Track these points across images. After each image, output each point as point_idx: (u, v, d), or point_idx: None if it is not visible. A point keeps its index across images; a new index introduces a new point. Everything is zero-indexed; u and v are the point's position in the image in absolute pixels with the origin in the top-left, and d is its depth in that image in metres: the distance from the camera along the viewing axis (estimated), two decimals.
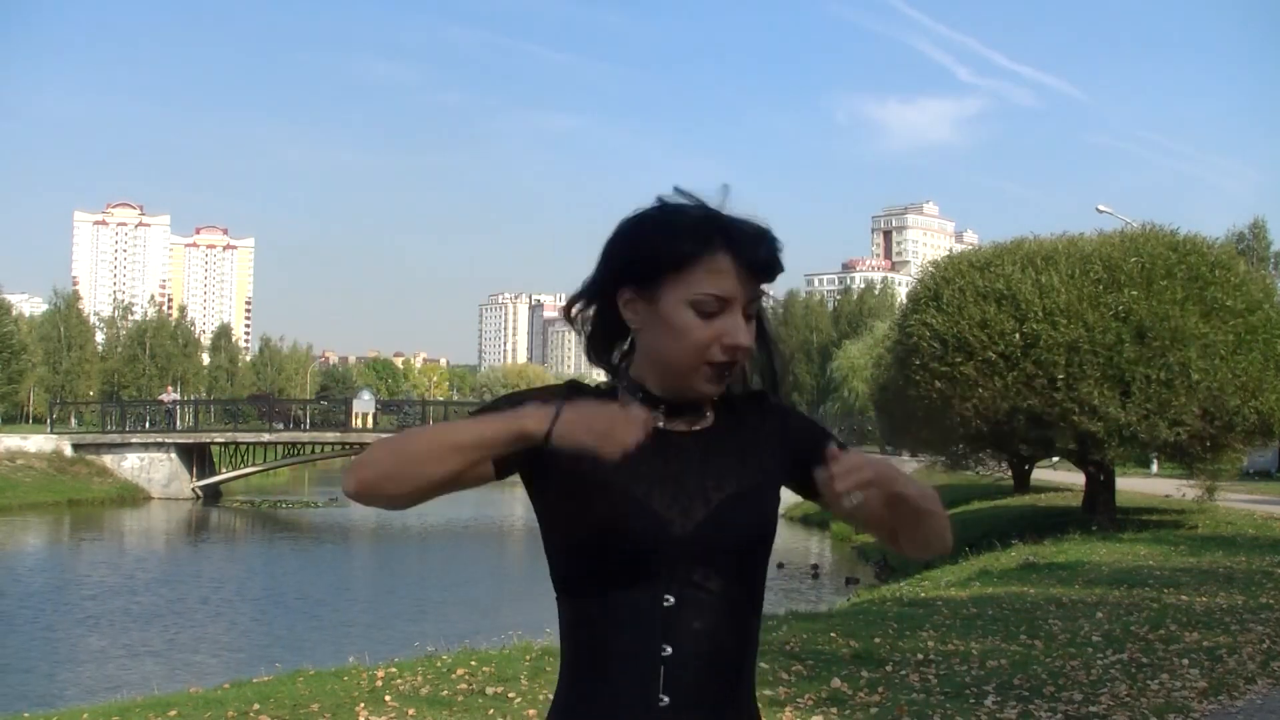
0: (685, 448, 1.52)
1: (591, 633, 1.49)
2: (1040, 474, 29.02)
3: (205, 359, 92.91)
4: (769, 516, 1.54)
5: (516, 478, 1.58)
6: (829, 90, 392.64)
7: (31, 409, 70.42)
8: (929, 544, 1.56)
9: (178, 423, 41.57)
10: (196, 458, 40.34)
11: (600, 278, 1.55)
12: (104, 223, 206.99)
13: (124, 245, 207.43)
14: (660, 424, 1.51)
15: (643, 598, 1.46)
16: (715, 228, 1.49)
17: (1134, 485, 24.80)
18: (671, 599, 1.45)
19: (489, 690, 6.49)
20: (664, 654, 1.45)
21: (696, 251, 1.47)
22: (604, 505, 1.46)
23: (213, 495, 40.04)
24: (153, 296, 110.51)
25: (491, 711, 5.98)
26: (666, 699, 1.44)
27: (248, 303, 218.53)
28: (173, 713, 6.41)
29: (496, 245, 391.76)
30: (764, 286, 1.54)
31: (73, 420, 51.02)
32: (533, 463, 1.49)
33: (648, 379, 1.54)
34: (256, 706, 6.30)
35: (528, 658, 7.63)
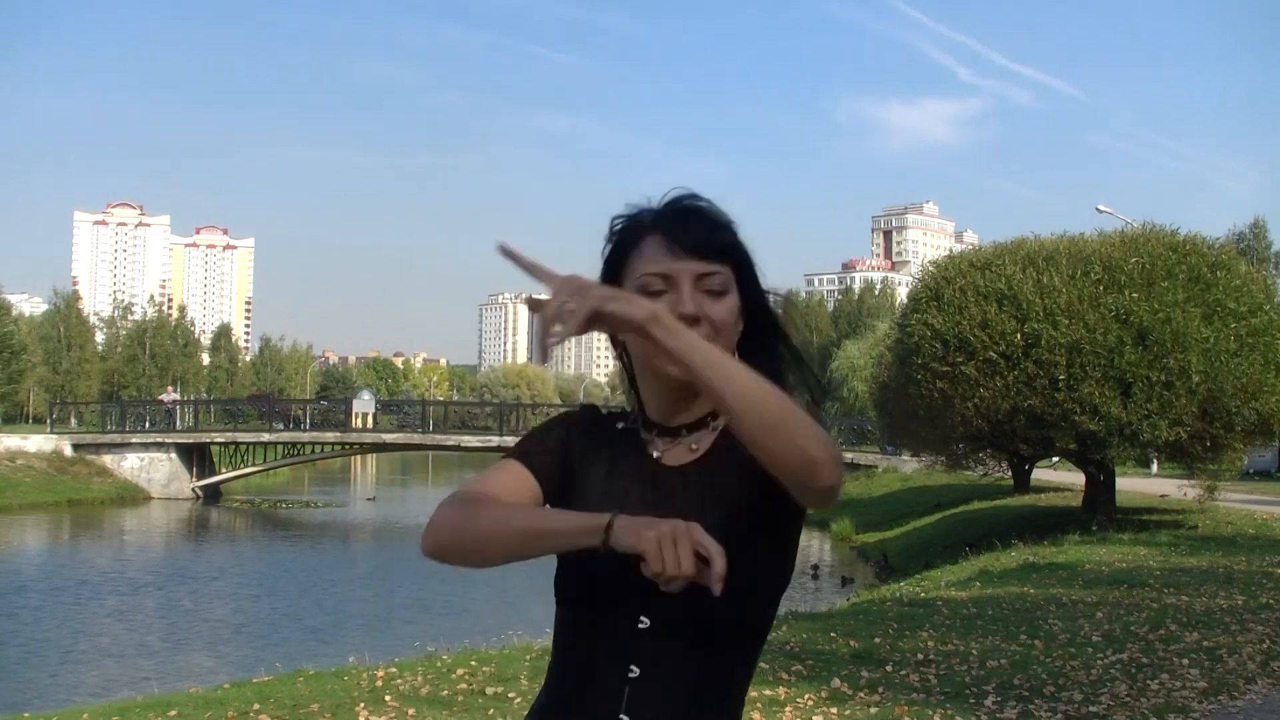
0: (672, 481, 1.53)
1: (569, 643, 1.53)
2: (1040, 474, 29.02)
3: (205, 359, 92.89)
4: (745, 550, 1.45)
5: None
6: (829, 90, 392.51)
7: (31, 409, 70.36)
8: (768, 448, 1.33)
9: (178, 423, 41.60)
10: (196, 458, 40.35)
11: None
12: (104, 223, 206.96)
13: (124, 245, 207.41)
14: (656, 455, 1.55)
15: (620, 618, 1.47)
16: (645, 215, 1.54)
17: (1134, 485, 24.80)
18: (647, 621, 1.46)
19: (489, 690, 6.49)
20: (630, 675, 1.46)
21: (632, 240, 1.52)
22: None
23: (213, 495, 40.06)
24: (153, 296, 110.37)
25: (491, 711, 5.98)
26: (626, 718, 1.45)
27: (248, 303, 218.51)
28: (173, 713, 6.41)
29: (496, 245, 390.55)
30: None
31: (73, 420, 50.98)
32: (562, 483, 1.57)
33: (646, 395, 1.57)
34: (256, 706, 6.30)
35: (528, 658, 7.63)
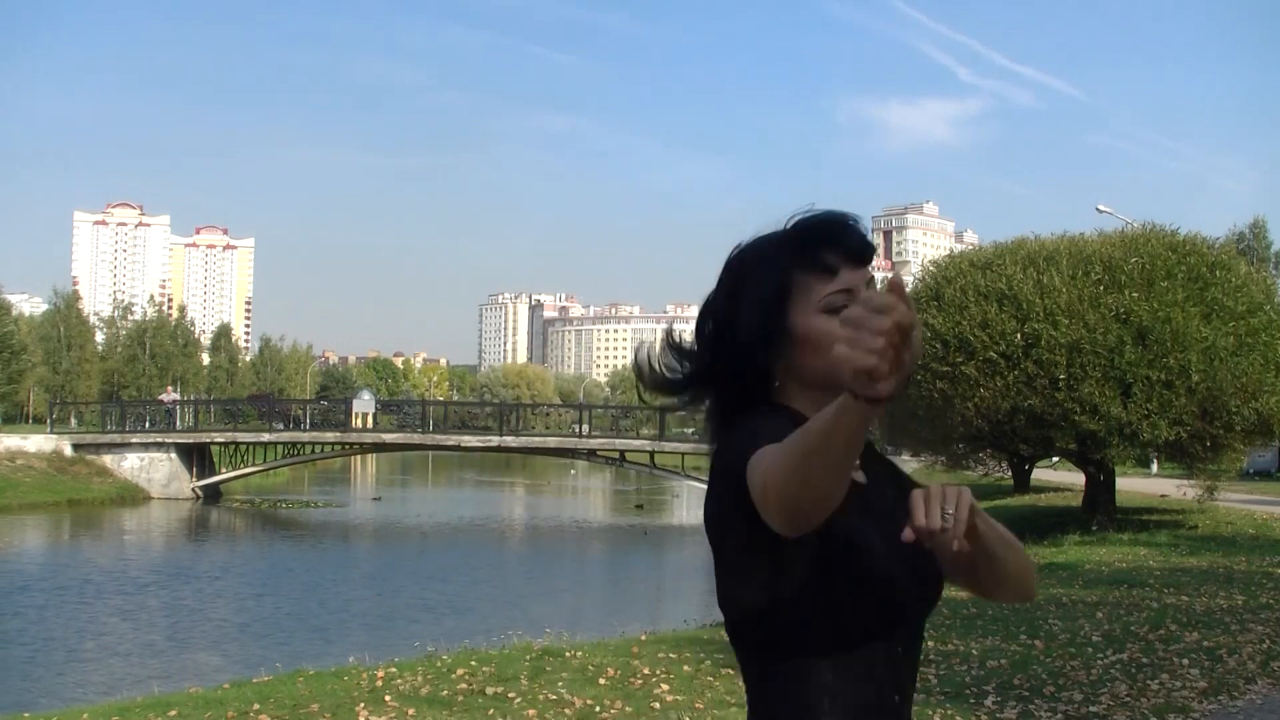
0: (877, 499, 1.51)
1: (819, 691, 1.44)
2: (1040, 474, 29.03)
3: (205, 359, 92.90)
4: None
5: None
6: (829, 90, 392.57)
7: (31, 409, 70.36)
8: (1009, 583, 1.56)
9: (178, 423, 41.57)
10: (196, 458, 40.34)
11: (723, 359, 1.53)
12: (104, 223, 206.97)
13: (124, 245, 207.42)
14: (862, 479, 1.52)
15: (881, 650, 1.47)
16: (806, 232, 1.52)
17: (1134, 485, 24.81)
18: (900, 649, 1.50)
19: (489, 690, 6.49)
20: (894, 701, 1.49)
21: (804, 262, 1.50)
22: (868, 565, 1.43)
23: (213, 495, 40.05)
24: (152, 296, 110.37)
25: (491, 711, 5.98)
26: (898, 698, 1.49)
27: (248, 303, 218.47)
28: (173, 713, 6.42)
29: (496, 245, 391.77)
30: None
31: (73, 420, 50.97)
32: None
33: (803, 407, 1.51)
34: (256, 706, 6.30)
35: (528, 658, 7.63)
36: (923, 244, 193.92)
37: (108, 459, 38.64)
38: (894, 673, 1.48)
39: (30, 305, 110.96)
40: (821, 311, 1.47)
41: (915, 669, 1.55)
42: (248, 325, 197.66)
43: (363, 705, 6.18)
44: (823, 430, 1.21)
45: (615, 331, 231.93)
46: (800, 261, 1.50)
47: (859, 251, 1.51)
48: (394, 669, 7.38)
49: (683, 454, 37.28)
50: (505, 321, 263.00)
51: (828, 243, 1.50)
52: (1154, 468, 30.91)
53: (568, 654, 7.76)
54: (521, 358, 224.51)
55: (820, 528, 1.32)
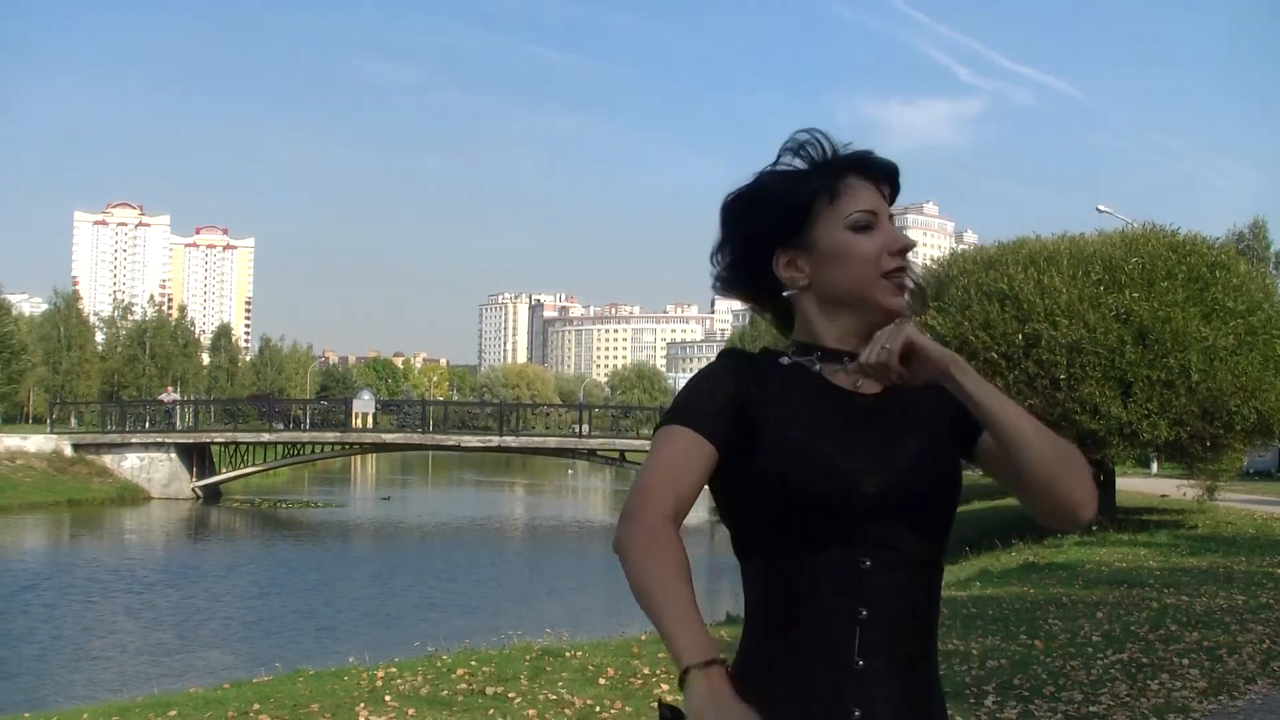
0: (868, 410, 1.54)
1: (788, 592, 1.48)
2: None
3: (205, 359, 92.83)
4: (953, 474, 1.55)
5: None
6: (829, 91, 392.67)
7: (31, 409, 70.32)
8: (1036, 468, 1.43)
9: (178, 423, 41.57)
10: (196, 458, 40.34)
11: (743, 246, 1.60)
12: (104, 223, 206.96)
13: (124, 245, 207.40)
14: (845, 385, 1.55)
15: (841, 560, 1.46)
16: (835, 157, 1.58)
17: (1134, 485, 24.82)
18: (869, 562, 1.46)
19: (489, 690, 6.49)
20: (860, 616, 1.45)
21: (833, 180, 1.56)
22: (803, 470, 1.46)
23: (213, 495, 40.05)
24: (152, 296, 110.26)
25: (491, 711, 5.98)
26: (862, 662, 1.45)
27: (248, 303, 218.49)
28: (173, 713, 6.42)
29: (496, 245, 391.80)
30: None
31: (73, 420, 50.94)
32: (741, 434, 1.49)
33: (824, 336, 1.57)
34: (256, 706, 6.30)
35: (528, 658, 7.62)
36: (923, 244, 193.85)
37: (108, 459, 38.64)
38: (860, 586, 1.45)
39: (30, 305, 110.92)
40: (847, 229, 1.54)
41: (904, 590, 1.47)
42: (248, 325, 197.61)
43: (363, 705, 6.18)
44: (653, 618, 1.35)
45: (615, 331, 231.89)
46: (825, 183, 1.56)
47: (883, 172, 1.59)
48: (394, 669, 7.38)
49: None
50: (505, 321, 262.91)
51: (852, 165, 1.57)
52: (1154, 468, 30.91)
53: (568, 654, 7.76)
54: (521, 358, 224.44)
55: (756, 433, 1.47)
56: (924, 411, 1.55)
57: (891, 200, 1.59)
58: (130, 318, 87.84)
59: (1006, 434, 1.43)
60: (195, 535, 31.29)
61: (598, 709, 5.97)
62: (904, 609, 1.47)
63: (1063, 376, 16.42)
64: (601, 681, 6.68)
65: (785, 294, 1.59)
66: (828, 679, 1.44)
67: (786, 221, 1.56)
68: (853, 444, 1.49)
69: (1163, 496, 22.96)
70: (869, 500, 1.46)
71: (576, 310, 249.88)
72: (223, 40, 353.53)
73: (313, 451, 42.72)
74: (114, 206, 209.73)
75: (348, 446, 42.70)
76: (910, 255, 1.56)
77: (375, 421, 44.35)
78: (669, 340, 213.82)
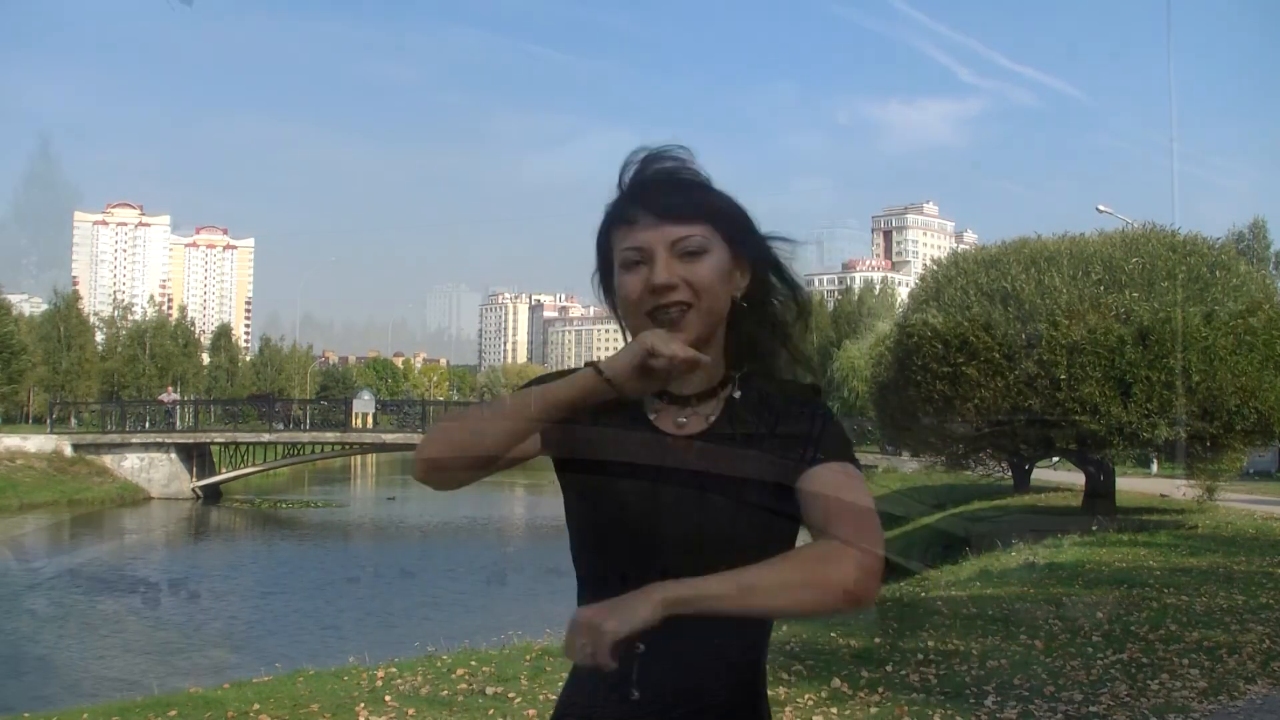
0: (680, 448, 1.52)
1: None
2: (1040, 474, 29.00)
3: (205, 359, 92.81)
4: (760, 520, 1.48)
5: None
6: (830, 91, 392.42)
7: (31, 409, 70.28)
8: (816, 614, 1.47)
9: (178, 423, 41.56)
10: (196, 458, 40.32)
11: (603, 279, 1.62)
12: (104, 223, 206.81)
13: (124, 245, 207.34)
14: (658, 421, 1.55)
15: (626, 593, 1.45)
16: (626, 189, 1.56)
17: (1134, 485, 24.78)
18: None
19: (489, 690, 6.49)
20: (637, 649, 1.42)
21: (621, 214, 1.54)
22: (603, 503, 1.50)
23: (213, 495, 40.03)
24: (153, 296, 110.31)
25: (491, 711, 5.98)
26: (637, 694, 1.45)
27: (248, 303, 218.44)
28: (173, 713, 6.41)
29: (496, 245, 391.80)
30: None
31: (73, 420, 50.90)
32: (563, 449, 1.54)
33: None
34: (256, 706, 6.30)
35: (528, 658, 7.62)
36: (923, 244, 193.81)
37: (108, 459, 38.62)
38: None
39: (30, 305, 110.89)
40: (620, 268, 1.53)
41: (696, 627, 1.36)
42: (248, 325, 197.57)
43: (363, 705, 6.18)
44: (511, 418, 1.43)
45: (615, 332, 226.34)
46: (613, 210, 1.56)
47: (663, 209, 1.50)
48: (394, 669, 7.38)
49: None
50: (505, 321, 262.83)
51: (629, 198, 1.54)
52: (1154, 468, 30.89)
53: None
54: (521, 358, 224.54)
55: (581, 475, 1.52)
56: (739, 455, 1.50)
57: (680, 219, 1.50)
58: (130, 318, 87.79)
59: (758, 615, 1.46)
60: (198, 535, 31.31)
61: None
62: (689, 650, 1.44)
63: (1063, 376, 16.42)
64: None
65: None
66: (607, 709, 1.48)
67: (601, 258, 1.59)
68: (661, 486, 1.49)
69: (1163, 496, 22.93)
70: (664, 541, 1.47)
71: (576, 310, 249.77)
72: (223, 40, 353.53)
73: (313, 451, 42.71)
74: (114, 206, 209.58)
75: (348, 446, 42.68)
76: (685, 288, 1.48)
77: (375, 421, 44.34)
78: None
